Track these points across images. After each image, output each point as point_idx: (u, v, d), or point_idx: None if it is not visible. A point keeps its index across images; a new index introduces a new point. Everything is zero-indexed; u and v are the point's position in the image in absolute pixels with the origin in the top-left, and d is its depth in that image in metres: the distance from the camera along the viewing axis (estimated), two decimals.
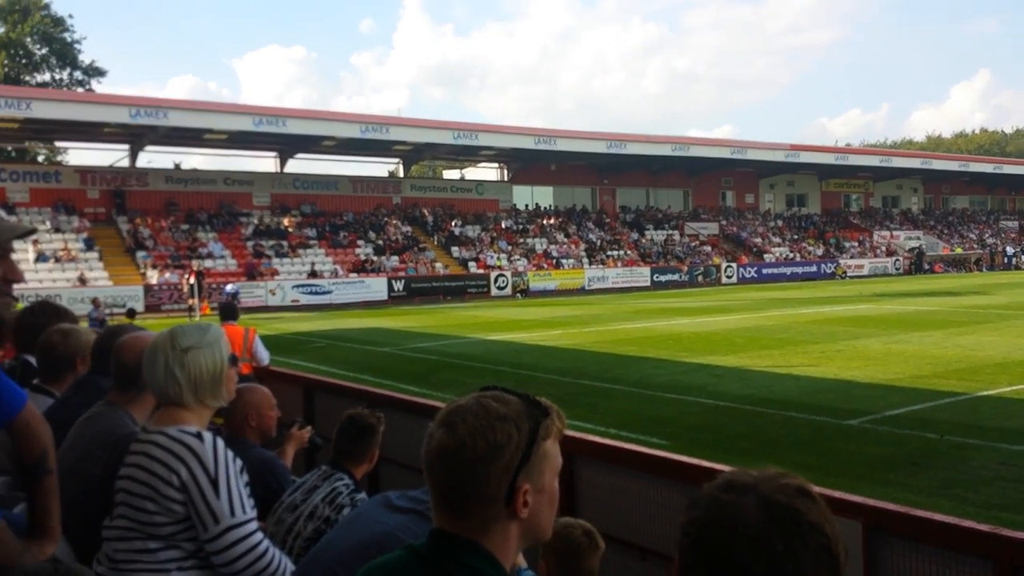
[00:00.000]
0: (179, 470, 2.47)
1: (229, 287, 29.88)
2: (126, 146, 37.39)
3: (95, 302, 22.97)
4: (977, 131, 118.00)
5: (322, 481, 3.38)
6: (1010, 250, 57.09)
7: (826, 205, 59.62)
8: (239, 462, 2.63)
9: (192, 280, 28.44)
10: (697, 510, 1.21)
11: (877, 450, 8.67)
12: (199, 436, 2.53)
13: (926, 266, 51.87)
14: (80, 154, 44.09)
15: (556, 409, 1.54)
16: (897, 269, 51.40)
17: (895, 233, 57.04)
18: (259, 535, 2.58)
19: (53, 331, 3.70)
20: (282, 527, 3.28)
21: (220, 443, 2.57)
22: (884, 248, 54.38)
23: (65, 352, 3.63)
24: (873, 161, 55.00)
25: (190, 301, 28.30)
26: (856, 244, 53.91)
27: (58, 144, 42.68)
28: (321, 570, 2.33)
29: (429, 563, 1.46)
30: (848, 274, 47.75)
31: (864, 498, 3.18)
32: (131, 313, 19.77)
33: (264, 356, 8.57)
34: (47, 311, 4.33)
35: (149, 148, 37.63)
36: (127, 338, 3.15)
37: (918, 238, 56.74)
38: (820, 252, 51.28)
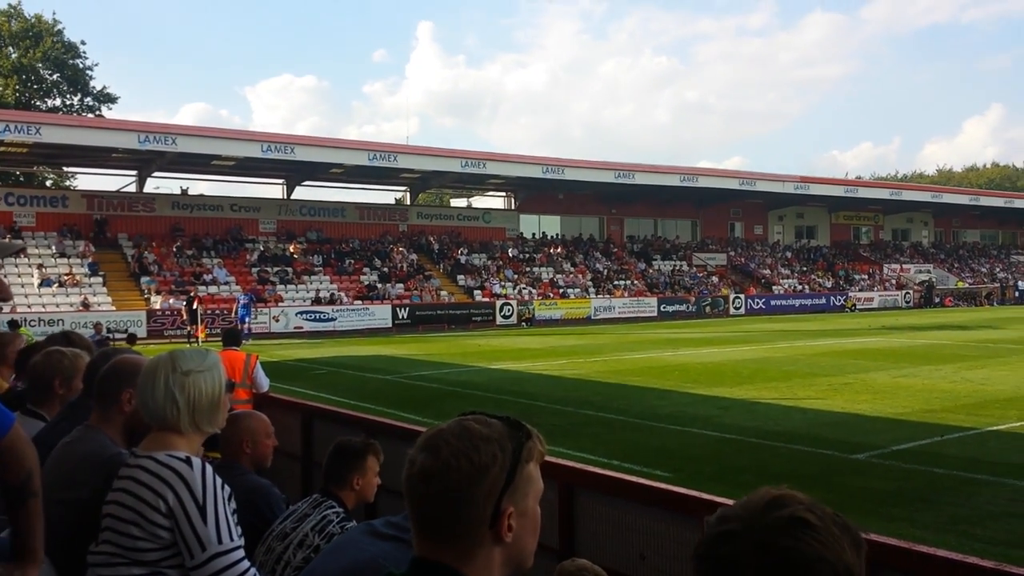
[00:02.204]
0: (166, 495, 2.43)
1: (242, 297, 30.04)
2: (134, 172, 37.65)
3: (96, 327, 22.95)
4: (989, 165, 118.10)
5: (312, 509, 3.34)
6: (1022, 284, 56.84)
7: (836, 237, 59.58)
8: (227, 489, 2.59)
9: (196, 306, 28.51)
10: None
11: (883, 485, 8.56)
12: (188, 461, 2.50)
13: (936, 299, 51.66)
14: (88, 179, 44.33)
15: (537, 433, 1.51)
16: (907, 302, 51.20)
17: (905, 266, 56.89)
18: (245, 563, 2.53)
19: (39, 353, 3.68)
20: (272, 556, 3.23)
21: (209, 469, 2.54)
22: (894, 281, 54.23)
23: (44, 373, 3.59)
24: (883, 194, 54.99)
25: (189, 328, 28.37)
26: (866, 277, 53.78)
27: (66, 169, 43.00)
28: None
29: None
30: (857, 307, 47.58)
31: (867, 533, 3.10)
32: (132, 339, 19.62)
33: (264, 383, 8.52)
34: (55, 339, 4.33)
35: (157, 174, 37.87)
36: (114, 359, 3.12)
37: (928, 271, 56.57)
38: (829, 284, 51.14)
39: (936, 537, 6.43)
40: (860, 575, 1.14)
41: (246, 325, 28.85)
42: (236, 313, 28.91)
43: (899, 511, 7.58)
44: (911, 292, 52.22)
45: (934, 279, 54.86)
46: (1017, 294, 55.30)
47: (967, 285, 56.09)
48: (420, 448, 1.46)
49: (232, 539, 2.50)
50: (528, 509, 1.46)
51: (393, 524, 2.27)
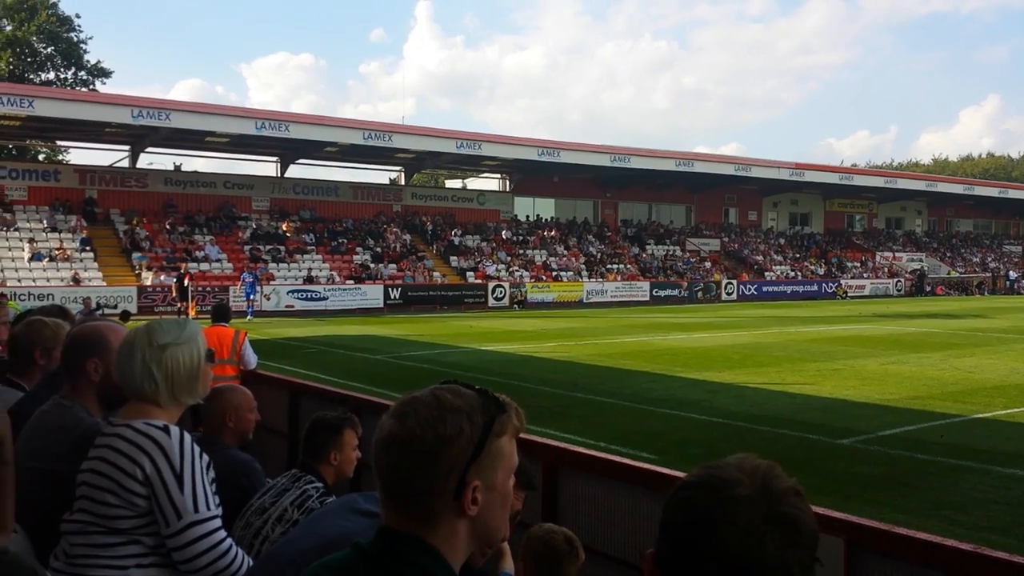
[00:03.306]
0: (143, 463, 2.42)
1: (247, 275, 30.54)
2: (127, 147, 37.42)
3: (85, 302, 22.89)
4: (984, 155, 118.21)
5: (292, 484, 3.31)
6: (1013, 274, 57.03)
7: (829, 225, 59.61)
8: (206, 458, 2.57)
9: (187, 283, 28.57)
10: (690, 512, 1.18)
11: (868, 470, 8.59)
12: (166, 430, 2.48)
13: (928, 288, 51.81)
14: (80, 154, 44.06)
15: (515, 407, 1.49)
16: (899, 290, 51.33)
17: (898, 254, 57.01)
18: (222, 533, 2.52)
19: (21, 323, 3.66)
20: (250, 530, 3.21)
21: (188, 438, 2.52)
22: (886, 269, 54.34)
23: (24, 342, 3.57)
24: (878, 182, 55.04)
25: (179, 304, 28.39)
26: (858, 264, 53.88)
27: (59, 143, 42.71)
28: (275, 570, 2.26)
29: (374, 560, 1.41)
30: (849, 294, 47.68)
31: (847, 515, 3.12)
32: (125, 315, 19.54)
33: (252, 360, 8.47)
34: (49, 310, 4.31)
35: (150, 150, 37.65)
36: (74, 329, 3.08)
37: (920, 260, 56.70)
38: (822, 271, 51.22)
39: (919, 522, 6.45)
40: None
41: (252, 302, 29.34)
42: (242, 290, 29.74)
43: (883, 496, 7.61)
44: (902, 280, 52.35)
45: (926, 268, 55.00)
46: (1008, 284, 55.48)
47: (959, 274, 56.27)
48: (389, 414, 1.45)
49: (209, 508, 2.48)
50: (497, 483, 1.44)
51: (376, 499, 2.25)
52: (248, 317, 28.58)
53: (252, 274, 31.03)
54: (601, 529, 3.67)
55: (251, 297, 29.61)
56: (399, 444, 1.40)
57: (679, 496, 1.20)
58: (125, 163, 37.79)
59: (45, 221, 32.98)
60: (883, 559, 2.86)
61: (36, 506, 2.70)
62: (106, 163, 37.82)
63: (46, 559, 2.58)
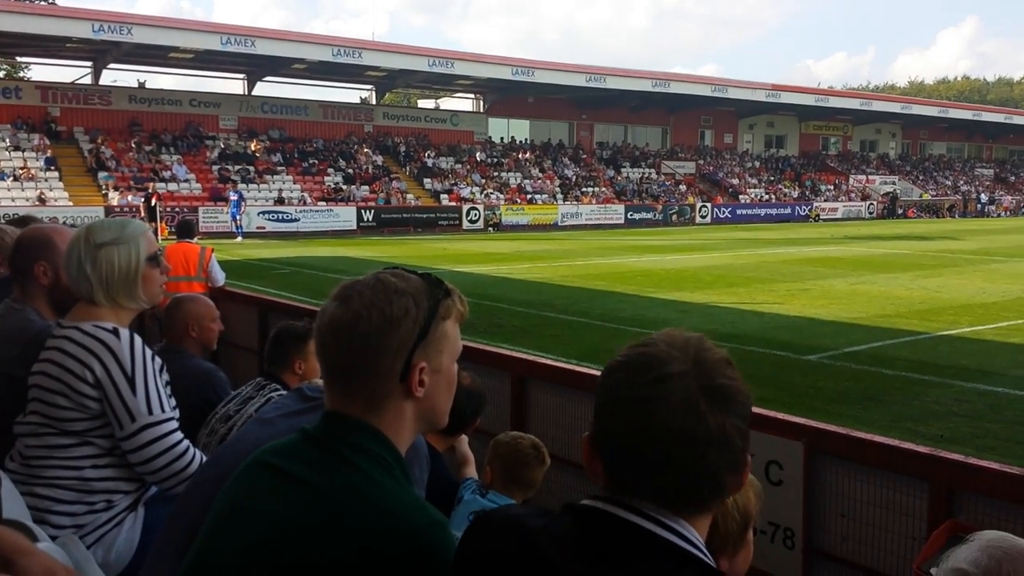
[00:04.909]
0: (93, 366, 2.39)
1: (232, 193, 30.66)
2: (89, 63, 36.32)
3: (52, 222, 22.57)
4: (960, 78, 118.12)
5: (256, 391, 3.30)
6: (984, 197, 57.52)
7: (804, 147, 59.52)
8: (158, 361, 2.53)
9: (154, 203, 28.25)
10: (626, 392, 1.18)
11: (833, 384, 8.75)
12: (115, 332, 2.44)
13: (899, 211, 52.20)
14: (42, 70, 42.83)
15: (459, 293, 1.49)
16: (871, 213, 51.67)
17: (871, 177, 57.19)
18: (177, 435, 2.50)
19: None
20: (215, 437, 3.20)
21: (138, 340, 2.48)
22: (859, 192, 54.58)
23: None
24: (853, 104, 54.83)
25: (149, 225, 28.10)
26: (832, 187, 54.05)
27: (19, 60, 41.39)
28: (231, 460, 2.24)
29: (319, 443, 1.40)
30: (822, 217, 47.96)
31: (806, 419, 3.17)
32: None
33: (220, 276, 8.39)
34: (13, 223, 4.24)
35: (113, 66, 36.52)
36: (22, 231, 3.03)
37: (893, 183, 56.96)
38: (795, 194, 51.35)
39: (880, 433, 6.57)
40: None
41: (237, 222, 29.65)
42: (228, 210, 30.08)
43: (846, 408, 7.76)
44: (875, 203, 52.67)
45: (898, 191, 55.31)
46: (979, 207, 56.02)
47: (931, 197, 56.69)
48: (332, 298, 1.43)
49: (163, 410, 2.46)
50: (442, 366, 1.45)
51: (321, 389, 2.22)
52: (238, 239, 28.81)
53: (238, 193, 30.98)
54: (568, 438, 3.71)
55: (236, 217, 29.73)
56: (345, 327, 1.38)
57: (613, 378, 1.20)
58: (88, 80, 36.73)
59: (8, 140, 32.10)
60: (841, 461, 2.91)
61: None
62: (68, 80, 36.77)
63: (1, 461, 2.56)
